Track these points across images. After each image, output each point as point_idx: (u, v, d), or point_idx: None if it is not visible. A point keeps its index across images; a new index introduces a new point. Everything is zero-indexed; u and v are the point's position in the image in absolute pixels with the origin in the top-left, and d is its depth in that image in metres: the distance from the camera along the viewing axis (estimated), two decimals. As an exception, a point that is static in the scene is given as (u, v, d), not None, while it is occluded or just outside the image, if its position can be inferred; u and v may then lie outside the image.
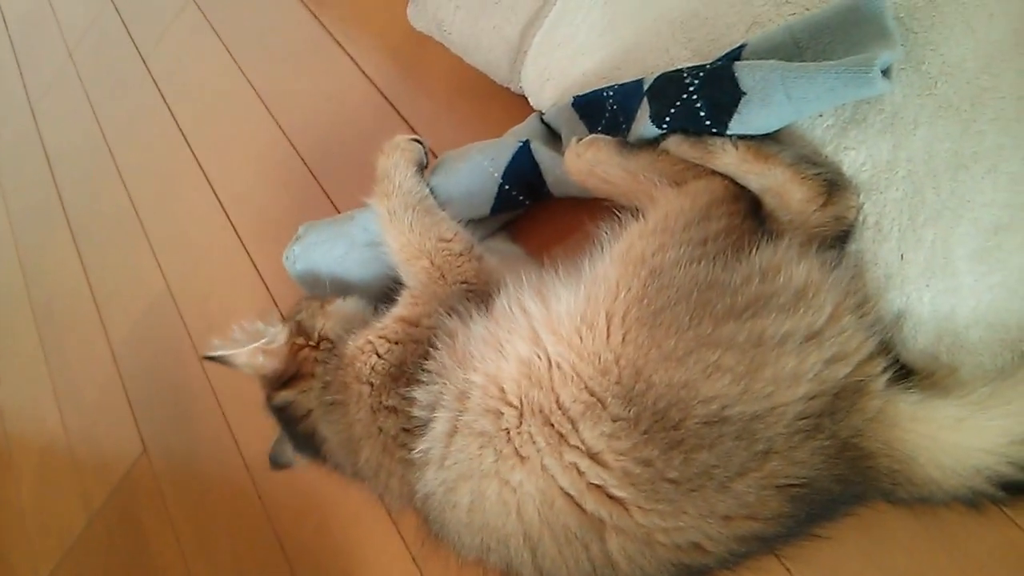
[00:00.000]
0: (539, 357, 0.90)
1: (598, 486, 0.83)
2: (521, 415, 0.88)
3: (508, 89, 1.41)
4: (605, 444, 0.83)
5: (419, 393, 0.99)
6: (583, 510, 0.84)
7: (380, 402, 1.06)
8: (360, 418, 1.08)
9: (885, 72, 0.88)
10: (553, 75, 1.27)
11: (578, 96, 1.22)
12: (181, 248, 1.96)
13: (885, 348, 0.84)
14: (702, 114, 0.96)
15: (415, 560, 1.25)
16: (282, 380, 1.21)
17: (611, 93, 1.14)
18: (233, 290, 1.75)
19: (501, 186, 1.25)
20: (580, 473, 0.84)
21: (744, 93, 0.92)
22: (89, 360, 2.05)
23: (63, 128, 2.56)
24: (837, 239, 0.91)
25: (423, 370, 1.01)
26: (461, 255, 1.15)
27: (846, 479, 0.79)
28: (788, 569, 0.92)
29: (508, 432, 0.88)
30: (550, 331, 0.90)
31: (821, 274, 0.84)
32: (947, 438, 0.77)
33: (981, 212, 0.82)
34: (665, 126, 1.01)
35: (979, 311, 0.83)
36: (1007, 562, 0.82)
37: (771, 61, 0.94)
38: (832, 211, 0.90)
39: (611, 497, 0.83)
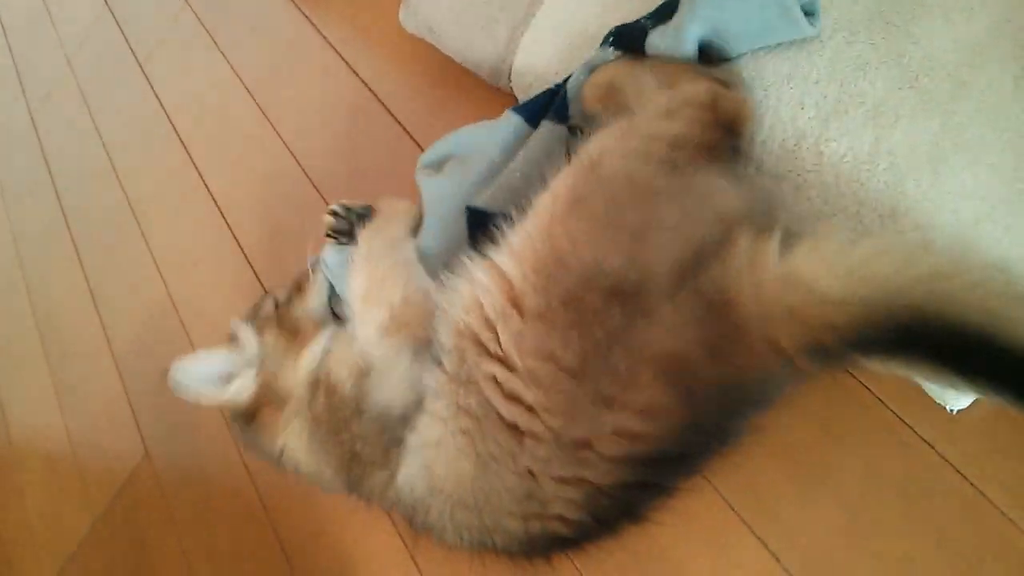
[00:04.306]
0: (473, 281, 0.93)
1: (513, 395, 0.87)
2: (461, 345, 0.92)
3: (500, 89, 1.42)
4: (514, 345, 0.86)
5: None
6: (503, 418, 0.87)
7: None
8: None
9: (812, 16, 0.93)
10: (542, 74, 1.28)
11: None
12: (181, 254, 1.96)
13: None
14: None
15: (414, 559, 1.26)
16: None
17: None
18: (233, 295, 1.76)
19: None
20: (498, 384, 0.88)
21: None
22: (92, 367, 2.05)
23: (63, 136, 2.57)
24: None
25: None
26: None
27: (719, 350, 0.79)
28: (775, 556, 0.93)
29: (460, 365, 0.92)
30: (498, 256, 0.92)
31: (745, 205, 0.86)
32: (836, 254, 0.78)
33: (961, 204, 0.83)
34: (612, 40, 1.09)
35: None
36: (995, 553, 0.82)
37: None
38: (723, 107, 0.93)
39: (522, 403, 0.86)
